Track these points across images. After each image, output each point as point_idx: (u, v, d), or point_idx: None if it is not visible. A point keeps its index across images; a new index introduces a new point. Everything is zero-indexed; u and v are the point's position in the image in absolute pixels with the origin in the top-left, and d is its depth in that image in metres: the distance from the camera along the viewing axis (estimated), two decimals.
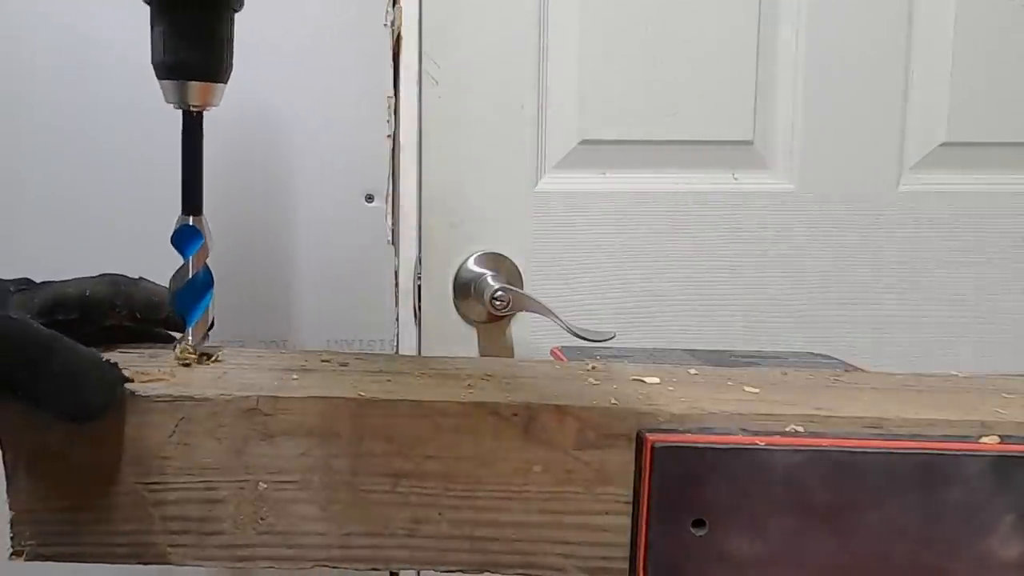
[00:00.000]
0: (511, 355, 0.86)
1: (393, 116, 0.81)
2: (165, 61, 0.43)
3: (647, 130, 0.85)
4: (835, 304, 0.88)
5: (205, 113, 0.45)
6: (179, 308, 0.47)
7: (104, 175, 0.79)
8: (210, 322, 0.48)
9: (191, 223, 0.46)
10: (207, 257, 0.47)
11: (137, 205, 0.79)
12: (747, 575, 0.41)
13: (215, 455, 0.41)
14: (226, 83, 0.45)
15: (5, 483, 0.41)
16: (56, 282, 0.45)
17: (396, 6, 0.80)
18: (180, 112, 0.45)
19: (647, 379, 0.47)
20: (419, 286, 0.84)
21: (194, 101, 0.44)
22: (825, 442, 0.41)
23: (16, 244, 0.79)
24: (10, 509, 0.42)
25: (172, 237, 0.47)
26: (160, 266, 0.48)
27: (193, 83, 0.43)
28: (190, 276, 0.47)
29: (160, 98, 0.45)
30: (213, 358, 0.47)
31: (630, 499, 0.42)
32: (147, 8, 0.43)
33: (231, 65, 0.45)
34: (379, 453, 0.42)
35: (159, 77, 0.43)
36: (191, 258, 0.47)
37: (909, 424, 0.42)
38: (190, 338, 0.47)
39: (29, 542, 0.42)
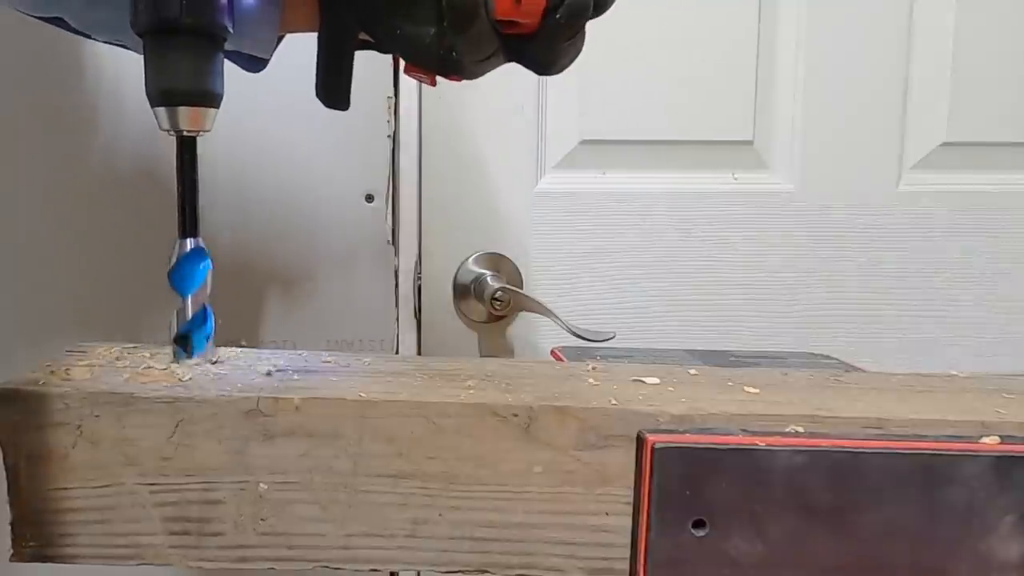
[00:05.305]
0: (511, 355, 0.86)
1: (393, 116, 0.81)
2: (155, 89, 0.44)
3: (647, 130, 0.85)
4: (835, 304, 0.88)
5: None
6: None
7: None
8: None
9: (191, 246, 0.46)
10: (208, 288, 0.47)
11: None
12: (747, 575, 0.41)
13: (215, 456, 0.41)
14: (217, 108, 0.45)
15: (5, 483, 0.41)
16: None
17: None
18: None
19: (647, 379, 0.47)
20: (419, 286, 0.84)
21: (186, 126, 0.44)
22: (825, 442, 0.40)
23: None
24: (10, 509, 0.42)
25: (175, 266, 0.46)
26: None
27: (183, 109, 0.44)
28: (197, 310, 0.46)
29: None
30: (213, 358, 0.47)
31: (630, 500, 0.42)
32: None
33: (222, 90, 0.45)
34: (380, 454, 0.41)
35: (152, 105, 0.44)
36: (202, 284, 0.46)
37: (909, 424, 0.42)
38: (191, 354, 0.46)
39: (29, 542, 0.42)
